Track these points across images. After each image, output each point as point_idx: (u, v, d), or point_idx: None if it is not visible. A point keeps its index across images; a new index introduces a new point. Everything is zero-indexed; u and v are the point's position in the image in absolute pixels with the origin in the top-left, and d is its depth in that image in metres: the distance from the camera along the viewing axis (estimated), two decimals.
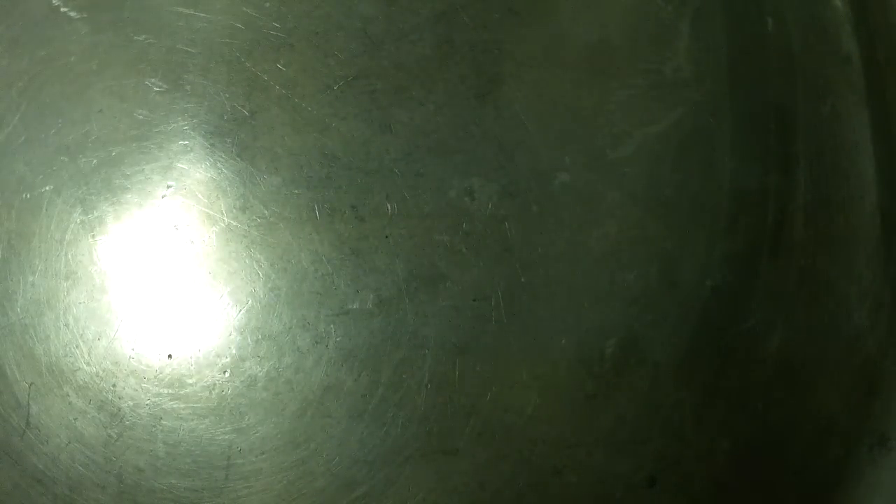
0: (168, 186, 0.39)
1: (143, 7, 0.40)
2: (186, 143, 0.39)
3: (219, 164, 0.39)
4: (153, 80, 0.39)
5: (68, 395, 0.38)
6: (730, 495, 0.39)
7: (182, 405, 0.38)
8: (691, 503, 0.39)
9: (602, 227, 0.39)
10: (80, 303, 0.38)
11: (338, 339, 0.38)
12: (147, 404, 0.38)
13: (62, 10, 0.40)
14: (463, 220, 0.38)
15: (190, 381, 0.38)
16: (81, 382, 0.38)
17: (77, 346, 0.38)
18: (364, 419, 0.38)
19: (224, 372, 0.38)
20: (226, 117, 0.39)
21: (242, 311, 0.38)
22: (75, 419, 0.38)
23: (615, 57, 0.40)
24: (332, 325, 0.38)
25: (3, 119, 0.39)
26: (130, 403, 0.38)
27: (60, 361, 0.38)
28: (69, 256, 0.38)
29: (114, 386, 0.38)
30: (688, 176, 0.39)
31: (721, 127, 0.40)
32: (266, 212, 0.38)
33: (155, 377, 0.38)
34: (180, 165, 0.39)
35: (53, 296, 0.38)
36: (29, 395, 0.38)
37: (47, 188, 0.39)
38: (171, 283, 0.38)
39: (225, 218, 0.38)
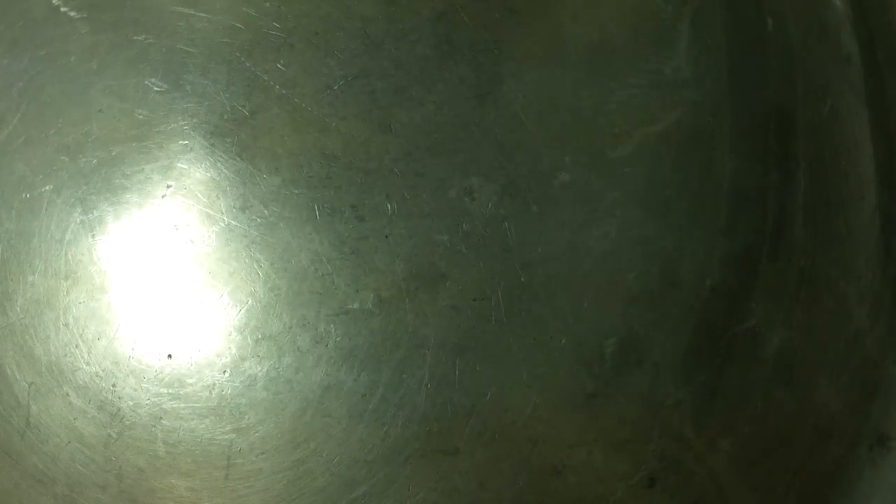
0: (168, 186, 0.39)
1: (143, 7, 0.40)
2: (186, 142, 0.39)
3: (219, 164, 0.39)
4: (153, 79, 0.39)
5: (68, 395, 0.38)
6: (730, 495, 0.39)
7: (182, 405, 0.38)
8: (691, 503, 0.39)
9: (602, 227, 0.39)
10: (79, 302, 0.38)
11: (338, 339, 0.38)
12: (147, 404, 0.38)
13: (62, 9, 0.40)
14: (463, 220, 0.38)
15: (190, 381, 0.38)
16: (81, 382, 0.38)
17: (77, 346, 0.38)
18: (364, 419, 0.38)
19: (224, 372, 0.38)
20: (226, 117, 0.39)
21: (242, 311, 0.38)
22: (75, 419, 0.38)
23: (615, 57, 0.40)
24: (332, 325, 0.38)
25: (3, 119, 0.39)
26: (130, 403, 0.38)
27: (60, 361, 0.38)
28: (69, 256, 0.38)
29: (114, 386, 0.38)
30: (688, 176, 0.40)
31: (721, 127, 0.40)
32: (266, 211, 0.38)
33: (155, 377, 0.38)
34: (180, 165, 0.39)
35: (53, 295, 0.38)
36: (29, 395, 0.38)
37: (47, 188, 0.39)
38: (170, 282, 0.38)
39: (225, 218, 0.38)
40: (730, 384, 0.39)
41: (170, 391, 0.38)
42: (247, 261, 0.38)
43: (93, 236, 0.38)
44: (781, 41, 0.41)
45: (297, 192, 0.38)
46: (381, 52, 0.39)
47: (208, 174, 0.39)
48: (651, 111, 0.40)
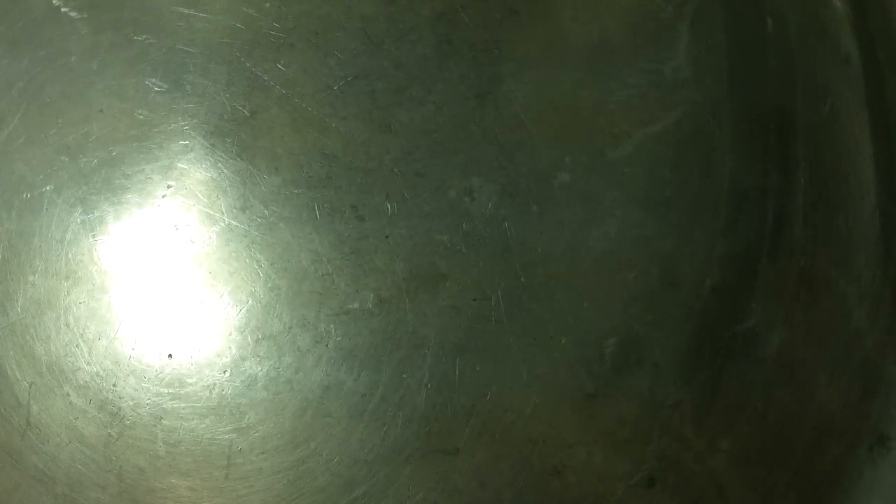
0: (168, 186, 0.39)
1: (143, 7, 0.40)
2: (186, 142, 0.39)
3: (219, 164, 0.39)
4: (153, 80, 0.39)
5: (69, 395, 0.38)
6: (730, 495, 0.39)
7: (182, 405, 0.38)
8: (691, 503, 0.39)
9: (602, 227, 0.39)
10: (80, 302, 0.38)
11: (338, 339, 0.38)
12: (147, 404, 0.38)
13: (62, 10, 0.40)
14: (463, 220, 0.38)
15: (190, 381, 0.38)
16: (82, 382, 0.38)
17: (77, 346, 0.38)
18: (364, 419, 0.38)
19: (224, 371, 0.38)
20: (226, 117, 0.39)
21: (242, 311, 0.38)
22: (76, 419, 0.38)
23: (615, 57, 0.40)
24: (332, 325, 0.38)
25: (3, 119, 0.39)
26: (131, 403, 0.38)
27: (61, 361, 0.38)
28: (69, 256, 0.38)
29: (114, 385, 0.38)
30: (688, 176, 0.39)
31: (721, 127, 0.40)
32: (266, 211, 0.38)
33: (155, 377, 0.38)
34: (180, 165, 0.39)
35: (54, 295, 0.38)
36: (29, 395, 0.38)
37: (48, 188, 0.39)
38: (171, 282, 0.38)
39: (225, 218, 0.38)
40: (730, 384, 0.39)
41: (170, 391, 0.38)
42: (247, 261, 0.38)
43: (93, 236, 0.38)
44: (781, 41, 0.41)
45: (297, 192, 0.38)
46: (381, 52, 0.39)
47: (208, 174, 0.39)
48: (651, 111, 0.40)
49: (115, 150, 0.39)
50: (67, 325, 0.38)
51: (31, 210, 0.39)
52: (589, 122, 0.39)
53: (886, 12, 0.43)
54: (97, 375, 0.38)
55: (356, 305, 0.38)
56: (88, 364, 0.38)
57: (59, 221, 0.38)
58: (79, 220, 0.38)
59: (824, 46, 0.42)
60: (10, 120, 0.39)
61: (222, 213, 0.38)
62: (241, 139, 0.39)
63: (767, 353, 0.39)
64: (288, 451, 0.38)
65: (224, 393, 0.38)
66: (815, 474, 0.40)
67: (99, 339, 0.38)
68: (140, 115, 0.39)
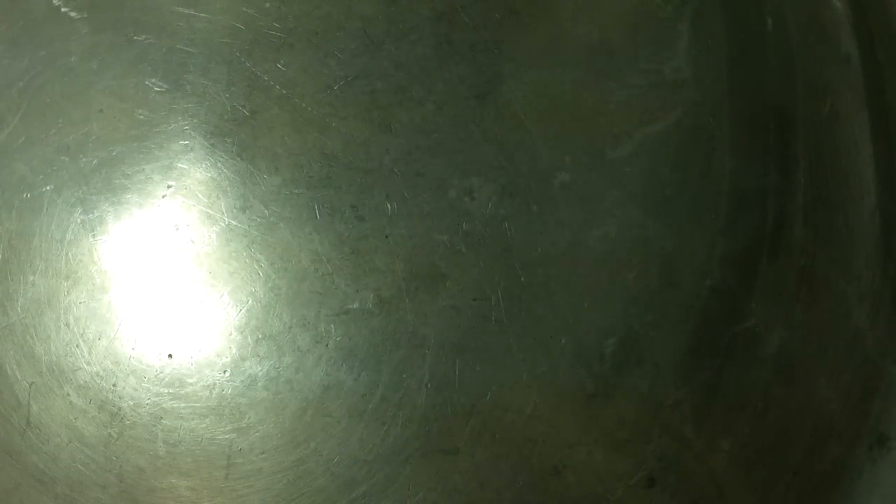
0: (168, 186, 0.39)
1: (143, 7, 0.40)
2: (187, 142, 0.39)
3: (219, 164, 0.39)
4: (153, 80, 0.39)
5: (69, 395, 0.38)
6: (730, 495, 0.39)
7: (182, 404, 0.38)
8: (691, 503, 0.39)
9: (602, 227, 0.39)
10: (80, 302, 0.38)
11: (338, 339, 0.38)
12: (147, 404, 0.38)
13: (62, 10, 0.40)
14: (463, 220, 0.38)
15: (190, 381, 0.38)
16: (82, 382, 0.38)
17: (77, 346, 0.38)
18: (364, 419, 0.38)
19: (224, 371, 0.38)
20: (226, 117, 0.39)
21: (242, 311, 0.38)
22: (76, 418, 0.38)
23: (615, 57, 0.40)
24: (332, 325, 0.38)
25: (3, 119, 0.39)
26: (131, 403, 0.38)
27: (61, 361, 0.38)
28: (70, 256, 0.38)
29: (114, 385, 0.38)
30: (688, 176, 0.39)
31: (721, 127, 0.40)
32: (266, 211, 0.38)
33: (155, 377, 0.38)
34: (181, 165, 0.39)
35: (54, 295, 0.38)
36: (29, 395, 0.38)
37: (48, 188, 0.39)
38: (171, 282, 0.38)
39: (225, 218, 0.38)
40: (730, 384, 0.39)
41: (170, 391, 0.38)
42: (247, 261, 0.38)
43: (93, 236, 0.38)
44: (781, 41, 0.41)
45: (297, 192, 0.38)
46: (381, 52, 0.39)
47: (209, 174, 0.39)
48: (651, 111, 0.40)
49: (115, 150, 0.39)
50: (67, 325, 0.38)
51: (31, 210, 0.39)
52: (589, 122, 0.39)
53: (886, 12, 0.43)
54: (97, 375, 0.38)
55: (356, 305, 0.38)
56: (88, 364, 0.38)
57: (59, 221, 0.38)
58: (79, 220, 0.38)
59: (824, 46, 0.42)
60: (10, 120, 0.39)
61: (222, 213, 0.38)
62: (241, 139, 0.39)
63: (767, 353, 0.39)
64: (288, 451, 0.38)
65: (224, 393, 0.38)
66: (815, 474, 0.40)
67: (99, 338, 0.38)
68: (140, 115, 0.39)
